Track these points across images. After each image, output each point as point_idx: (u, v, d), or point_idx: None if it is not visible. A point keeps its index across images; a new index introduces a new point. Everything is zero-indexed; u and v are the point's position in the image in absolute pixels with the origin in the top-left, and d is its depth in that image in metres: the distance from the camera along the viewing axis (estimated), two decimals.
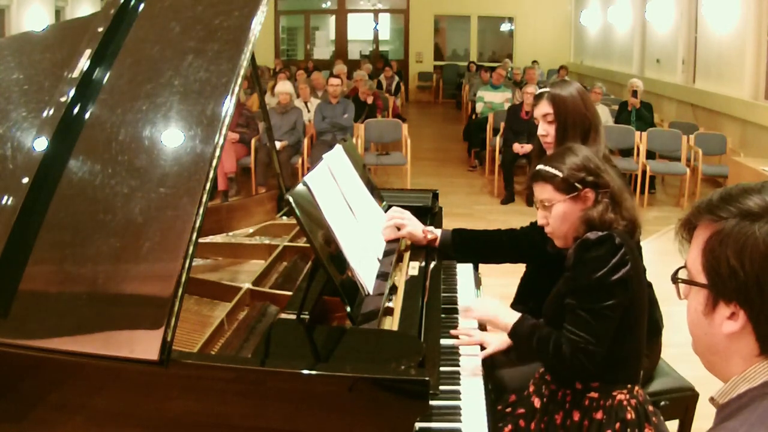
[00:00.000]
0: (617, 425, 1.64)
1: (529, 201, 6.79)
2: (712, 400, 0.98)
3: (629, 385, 1.70)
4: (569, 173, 1.74)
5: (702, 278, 0.94)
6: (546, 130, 2.15)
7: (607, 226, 1.69)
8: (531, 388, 1.83)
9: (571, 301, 1.68)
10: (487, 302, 1.94)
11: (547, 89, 2.16)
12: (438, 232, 2.23)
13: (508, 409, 1.84)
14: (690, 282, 0.97)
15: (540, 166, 1.80)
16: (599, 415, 1.66)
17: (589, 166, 1.75)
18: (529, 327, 1.77)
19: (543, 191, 1.78)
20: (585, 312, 1.64)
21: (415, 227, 2.20)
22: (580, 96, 2.13)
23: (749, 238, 0.89)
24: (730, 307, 0.91)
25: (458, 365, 1.83)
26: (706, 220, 0.94)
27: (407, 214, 2.23)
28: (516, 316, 1.83)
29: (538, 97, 2.18)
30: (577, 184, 1.73)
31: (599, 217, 1.70)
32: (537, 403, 1.78)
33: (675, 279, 1.00)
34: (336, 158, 2.08)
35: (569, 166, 1.74)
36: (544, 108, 2.14)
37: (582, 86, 2.23)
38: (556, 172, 1.75)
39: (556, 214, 1.76)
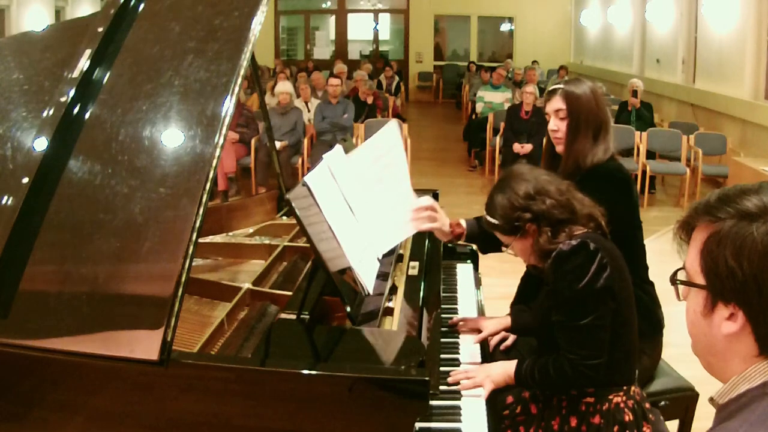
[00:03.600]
0: (615, 428, 1.63)
1: None
2: (711, 400, 0.97)
3: (625, 387, 1.69)
4: (503, 220, 1.74)
5: (700, 279, 0.94)
6: (557, 126, 2.13)
7: (568, 239, 1.67)
8: (527, 394, 1.82)
9: (560, 317, 1.66)
10: (484, 370, 1.80)
11: (561, 85, 2.15)
12: (464, 223, 2.18)
13: (506, 412, 1.84)
14: (688, 283, 0.97)
15: (483, 215, 1.82)
16: (597, 420, 1.65)
17: (517, 203, 1.72)
18: (528, 366, 1.73)
19: (499, 236, 1.81)
20: (576, 328, 1.63)
21: (444, 223, 2.15)
22: (593, 95, 2.12)
23: (747, 238, 0.89)
24: (728, 308, 0.91)
25: (458, 365, 1.83)
26: (704, 221, 0.94)
27: (438, 208, 2.16)
28: (510, 363, 1.78)
29: (551, 93, 2.16)
30: (516, 224, 1.73)
31: (547, 246, 1.68)
32: (534, 409, 1.78)
33: (674, 280, 1.00)
34: (336, 158, 2.08)
35: (501, 213, 1.74)
36: (557, 104, 2.12)
37: (595, 86, 2.20)
38: (493, 220, 1.77)
39: (517, 251, 1.80)
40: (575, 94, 2.10)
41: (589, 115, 2.09)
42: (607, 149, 2.09)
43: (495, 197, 1.77)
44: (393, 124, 2.14)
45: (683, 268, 0.98)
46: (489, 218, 1.79)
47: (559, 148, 2.15)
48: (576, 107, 2.09)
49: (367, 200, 1.98)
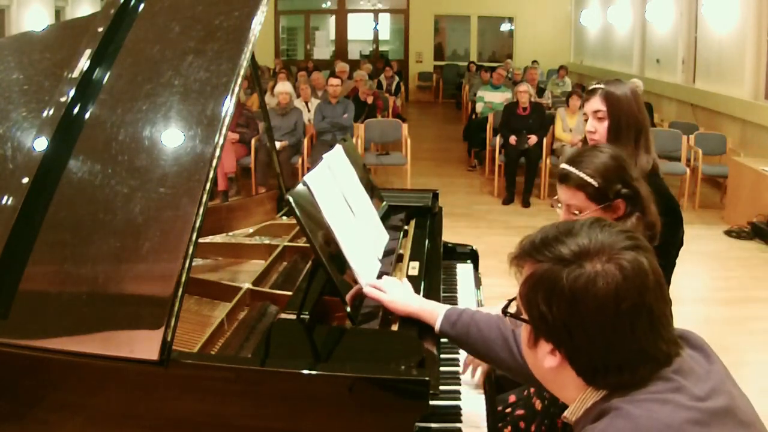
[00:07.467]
0: None
1: (525, 202, 6.77)
2: (565, 418, 1.02)
3: None
4: (604, 184, 1.65)
5: (525, 315, 0.98)
6: (595, 127, 2.07)
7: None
8: (532, 390, 1.82)
9: None
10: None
11: (601, 85, 2.10)
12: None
13: (508, 410, 1.84)
14: (514, 316, 1.01)
15: (570, 169, 1.69)
16: None
17: (623, 175, 1.66)
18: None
19: (573, 197, 1.69)
20: None
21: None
22: (633, 97, 2.07)
23: (557, 284, 0.91)
24: (549, 344, 0.95)
25: (458, 365, 1.83)
26: (529, 260, 0.97)
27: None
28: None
29: (590, 93, 2.11)
30: (610, 194, 1.65)
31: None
32: (538, 405, 1.78)
33: (505, 312, 1.04)
34: (336, 158, 2.08)
35: (603, 175, 1.65)
36: (596, 104, 2.07)
37: (635, 88, 2.15)
38: (591, 180, 1.66)
39: None
40: (615, 95, 2.04)
41: (630, 118, 2.03)
42: (649, 159, 2.03)
43: (596, 156, 1.68)
44: (336, 148, 2.07)
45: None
46: (583, 175, 1.66)
47: None
48: (616, 109, 2.03)
49: (364, 203, 1.98)
